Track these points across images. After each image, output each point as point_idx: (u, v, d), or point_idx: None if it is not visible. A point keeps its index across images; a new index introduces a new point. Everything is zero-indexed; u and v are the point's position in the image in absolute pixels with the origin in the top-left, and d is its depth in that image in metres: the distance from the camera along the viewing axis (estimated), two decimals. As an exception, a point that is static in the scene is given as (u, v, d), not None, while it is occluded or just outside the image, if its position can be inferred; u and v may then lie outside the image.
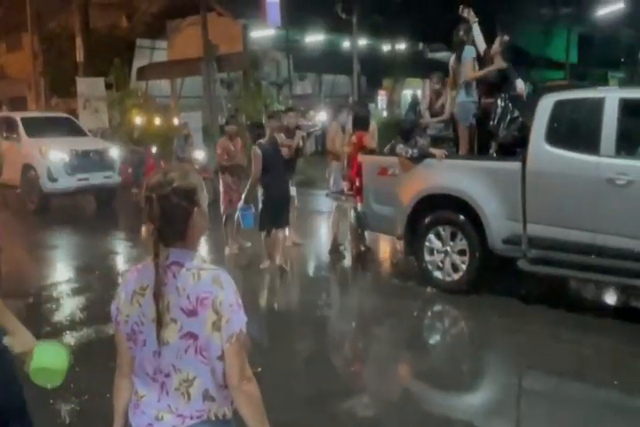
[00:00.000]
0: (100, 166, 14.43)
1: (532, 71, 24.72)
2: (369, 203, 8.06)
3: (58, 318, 7.02)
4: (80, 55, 23.77)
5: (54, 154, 13.92)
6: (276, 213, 8.08)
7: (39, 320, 6.80)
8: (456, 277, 7.41)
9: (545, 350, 5.92)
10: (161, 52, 28.42)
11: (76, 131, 15.42)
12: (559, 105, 6.77)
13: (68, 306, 7.50)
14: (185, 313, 2.19)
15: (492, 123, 7.44)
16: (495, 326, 6.67)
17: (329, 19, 24.27)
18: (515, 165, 6.95)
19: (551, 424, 4.69)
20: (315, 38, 26.70)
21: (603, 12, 21.89)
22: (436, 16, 23.79)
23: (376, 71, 25.53)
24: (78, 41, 23.69)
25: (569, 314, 6.74)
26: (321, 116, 23.75)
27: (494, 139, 7.56)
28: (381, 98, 26.29)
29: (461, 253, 7.33)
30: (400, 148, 7.63)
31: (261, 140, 8.23)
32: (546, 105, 6.84)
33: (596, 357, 5.77)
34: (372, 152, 8.28)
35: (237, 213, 8.72)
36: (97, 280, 8.53)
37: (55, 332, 6.44)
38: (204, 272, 2.24)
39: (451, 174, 7.39)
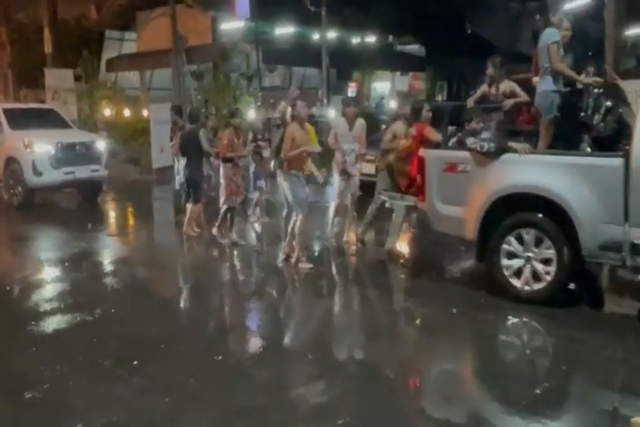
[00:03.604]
0: (86, 159, 12.52)
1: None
2: (432, 202, 6.57)
3: (23, 310, 6.32)
4: (48, 46, 21.68)
5: (39, 147, 11.97)
6: None
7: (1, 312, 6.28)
8: (538, 286, 6.02)
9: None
10: (130, 44, 26.19)
11: (61, 123, 13.41)
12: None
13: (36, 297, 6.73)
14: None
15: (583, 114, 6.02)
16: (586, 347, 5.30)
17: (298, 11, 22.71)
18: (616, 162, 5.58)
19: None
20: (284, 31, 24.98)
21: (570, 5, 20.93)
22: (406, 9, 22.47)
23: (346, 64, 23.99)
24: (46, 32, 21.60)
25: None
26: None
27: (587, 132, 6.15)
28: (351, 90, 24.79)
29: (546, 259, 5.95)
30: (472, 141, 6.17)
31: None
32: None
33: None
34: (436, 146, 6.74)
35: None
36: (67, 273, 7.72)
37: (20, 322, 5.88)
38: None
39: (536, 172, 5.97)
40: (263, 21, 23.06)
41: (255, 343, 5.57)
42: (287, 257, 7.62)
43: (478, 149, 6.12)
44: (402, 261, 7.81)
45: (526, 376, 4.86)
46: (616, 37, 13.17)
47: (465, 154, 6.31)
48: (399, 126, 7.41)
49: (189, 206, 9.30)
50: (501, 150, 6.08)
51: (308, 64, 24.51)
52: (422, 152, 6.63)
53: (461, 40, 26.71)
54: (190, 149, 9.25)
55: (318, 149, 7.47)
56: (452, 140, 6.81)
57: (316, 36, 24.25)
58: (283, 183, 7.50)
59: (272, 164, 9.62)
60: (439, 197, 6.53)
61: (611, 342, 5.25)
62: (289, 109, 8.57)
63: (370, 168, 9.92)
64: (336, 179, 8.40)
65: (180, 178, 10.31)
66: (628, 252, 5.57)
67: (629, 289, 6.54)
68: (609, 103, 6.01)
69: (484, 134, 6.17)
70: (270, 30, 24.77)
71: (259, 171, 9.86)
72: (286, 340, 5.65)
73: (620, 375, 4.75)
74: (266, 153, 9.53)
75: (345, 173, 8.24)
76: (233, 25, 23.72)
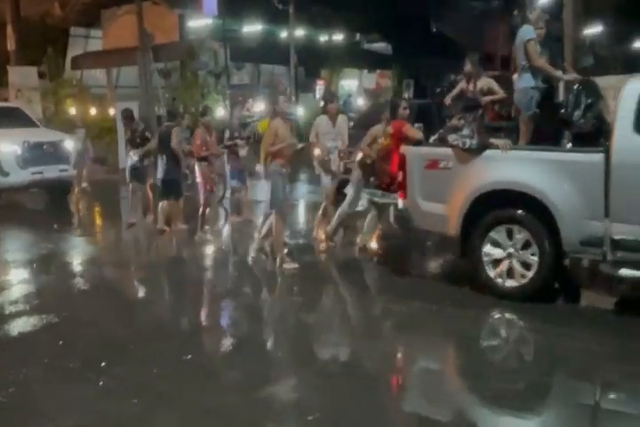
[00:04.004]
0: (54, 159, 12.14)
1: (462, 63, 23.80)
2: (414, 199, 6.50)
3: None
4: (11, 44, 21.20)
5: (5, 146, 11.55)
6: None
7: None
8: (521, 282, 5.99)
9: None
10: (96, 41, 25.72)
11: (27, 121, 13.01)
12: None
13: (0, 299, 6.42)
14: None
15: (563, 110, 6.01)
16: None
17: (266, 9, 22.58)
18: (596, 157, 5.58)
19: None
20: (252, 28, 24.79)
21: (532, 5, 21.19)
22: (373, 7, 22.47)
23: (314, 61, 23.92)
24: (9, 29, 21.13)
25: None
26: (258, 107, 22.25)
27: (568, 128, 6.14)
28: (319, 88, 24.70)
29: (528, 255, 5.93)
30: (454, 138, 6.11)
31: None
32: (633, 90, 5.52)
33: None
34: (417, 143, 6.67)
35: None
36: (33, 275, 7.47)
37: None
38: None
39: (518, 168, 5.93)
40: (231, 19, 22.87)
41: (226, 342, 5.44)
42: (264, 255, 7.47)
43: (460, 145, 6.07)
44: (377, 258, 7.74)
45: (506, 372, 4.81)
46: (574, 36, 13.33)
47: (447, 151, 6.25)
48: (378, 130, 7.30)
49: (161, 204, 9.17)
50: (483, 147, 6.04)
51: (276, 62, 24.39)
52: (403, 149, 6.56)
53: (427, 39, 26.87)
54: (167, 147, 9.08)
55: (300, 144, 7.35)
56: (433, 138, 6.74)
57: (283, 34, 24.13)
58: (264, 180, 7.36)
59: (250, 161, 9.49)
60: (421, 194, 6.46)
61: (590, 337, 5.22)
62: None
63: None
64: (322, 178, 8.30)
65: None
66: (608, 247, 5.58)
67: (606, 284, 6.57)
68: (588, 100, 6.02)
69: (466, 131, 6.12)
70: (238, 28, 24.57)
71: (233, 170, 9.71)
72: (257, 338, 5.50)
73: (600, 369, 4.72)
74: (242, 152, 9.40)
75: (329, 172, 8.13)
76: (200, 22, 23.48)
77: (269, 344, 5.48)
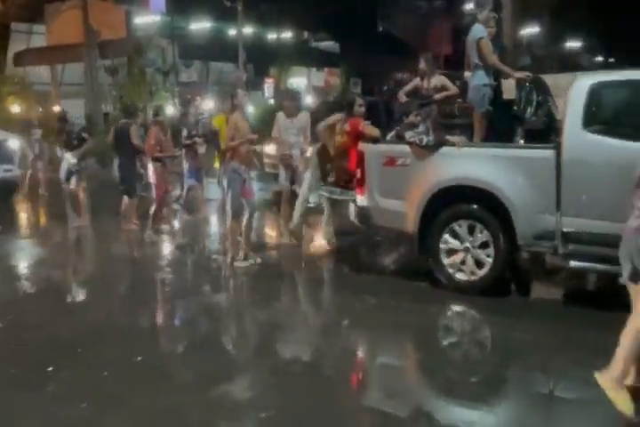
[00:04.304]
0: (-3, 159, 11.79)
1: (408, 62, 24.14)
2: (373, 196, 6.56)
3: None
4: (-51, 39, 20.40)
5: (-54, 146, 11.20)
6: None
7: None
8: (476, 276, 6.11)
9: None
10: (39, 37, 24.97)
11: (-30, 120, 12.60)
12: (598, 88, 5.63)
13: None
14: None
15: (515, 108, 6.17)
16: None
17: (215, 6, 22.39)
18: (548, 153, 5.75)
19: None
20: (200, 26, 24.53)
21: (470, 6, 21.59)
22: (321, 6, 22.51)
23: (263, 59, 23.82)
24: (-53, 24, 20.31)
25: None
26: (207, 105, 22.03)
27: (520, 125, 6.30)
28: (268, 86, 24.60)
29: (484, 250, 6.06)
30: (411, 135, 6.19)
31: None
32: (582, 88, 5.69)
33: None
34: (375, 141, 6.73)
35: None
36: None
37: None
38: None
39: (474, 164, 6.05)
40: (179, 16, 22.64)
41: (177, 342, 5.36)
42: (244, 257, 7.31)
43: (417, 142, 6.16)
44: (335, 255, 7.74)
45: (461, 364, 4.89)
46: (513, 36, 13.70)
47: (404, 148, 6.32)
48: (336, 117, 7.27)
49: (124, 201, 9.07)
50: (439, 143, 6.15)
51: (225, 59, 24.19)
52: (361, 146, 6.61)
53: (374, 38, 27.12)
54: (122, 144, 8.93)
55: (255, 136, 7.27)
56: (390, 134, 6.81)
57: (232, 32, 23.95)
58: (222, 177, 7.30)
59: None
60: (379, 191, 6.52)
61: (539, 328, 5.34)
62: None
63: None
64: (281, 174, 8.27)
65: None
66: (559, 240, 5.75)
67: (557, 277, 6.78)
68: (539, 97, 6.19)
69: (422, 128, 6.22)
70: (186, 25, 24.30)
71: (191, 168, 9.59)
72: (209, 337, 5.44)
73: (549, 359, 4.81)
74: (202, 149, 9.31)
75: (290, 167, 8.11)
76: (148, 19, 23.12)
77: (222, 343, 5.41)
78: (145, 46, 22.87)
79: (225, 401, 4.18)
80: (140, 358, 4.80)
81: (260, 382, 4.48)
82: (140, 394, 4.22)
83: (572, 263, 5.76)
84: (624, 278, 3.90)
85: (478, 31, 6.56)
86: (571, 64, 24.40)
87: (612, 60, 32.48)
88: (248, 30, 23.47)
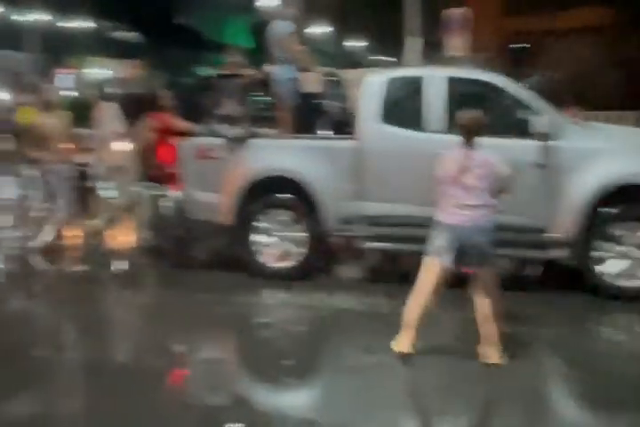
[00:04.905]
0: None
1: (208, 55, 24.01)
2: (188, 190, 6.58)
3: None
4: None
5: None
6: None
7: None
8: (291, 263, 6.40)
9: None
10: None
11: None
12: (389, 83, 6.18)
13: None
14: None
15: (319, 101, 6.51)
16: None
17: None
18: (347, 144, 6.21)
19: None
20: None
21: (259, 4, 21.89)
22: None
23: (58, 49, 22.28)
24: None
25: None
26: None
27: (325, 117, 6.65)
28: (63, 77, 23.00)
29: (296, 237, 6.38)
30: (222, 128, 6.31)
31: None
32: (376, 83, 6.20)
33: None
34: (184, 134, 6.69)
35: None
36: None
37: None
38: None
39: (283, 155, 6.35)
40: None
41: None
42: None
43: (228, 135, 6.29)
44: (154, 252, 7.62)
45: (282, 349, 5.01)
46: (299, 34, 14.31)
47: (215, 141, 6.44)
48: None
49: None
50: (249, 136, 6.34)
51: (16, 48, 22.30)
52: (173, 141, 6.61)
53: (175, 31, 26.70)
54: None
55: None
56: (202, 128, 6.85)
57: (24, 18, 22.15)
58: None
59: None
60: (194, 185, 6.54)
61: (353, 302, 5.84)
62: None
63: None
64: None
65: None
66: (363, 223, 6.22)
67: (362, 257, 7.26)
68: (339, 91, 6.62)
69: (233, 121, 6.36)
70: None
71: None
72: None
73: (361, 330, 5.20)
74: (9, 145, 8.65)
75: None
76: None
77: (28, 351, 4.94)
78: None
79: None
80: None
81: (85, 385, 4.40)
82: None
83: (373, 245, 6.28)
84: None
85: (286, 27, 6.82)
86: (355, 62, 25.88)
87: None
88: (44, 17, 21.89)
